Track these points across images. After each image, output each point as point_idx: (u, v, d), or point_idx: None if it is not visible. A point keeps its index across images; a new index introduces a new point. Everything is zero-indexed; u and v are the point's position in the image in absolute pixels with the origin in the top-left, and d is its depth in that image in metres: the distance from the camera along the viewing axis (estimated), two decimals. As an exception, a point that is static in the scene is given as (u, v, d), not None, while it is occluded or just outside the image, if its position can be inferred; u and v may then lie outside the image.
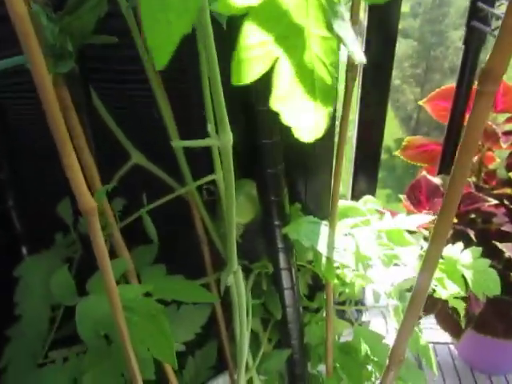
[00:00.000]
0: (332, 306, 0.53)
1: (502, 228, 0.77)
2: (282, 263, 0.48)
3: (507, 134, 0.84)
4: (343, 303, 0.62)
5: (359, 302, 0.60)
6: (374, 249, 0.46)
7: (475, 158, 0.95)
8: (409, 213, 0.85)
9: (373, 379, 0.62)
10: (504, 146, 0.80)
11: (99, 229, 0.26)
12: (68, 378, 0.38)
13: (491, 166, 0.97)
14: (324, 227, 0.45)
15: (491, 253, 0.77)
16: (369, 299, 0.85)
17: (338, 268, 0.55)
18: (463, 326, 0.76)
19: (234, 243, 0.34)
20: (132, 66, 0.43)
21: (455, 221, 0.82)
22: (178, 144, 0.29)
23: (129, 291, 0.33)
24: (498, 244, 0.73)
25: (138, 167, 0.46)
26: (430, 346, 1.12)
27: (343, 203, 0.55)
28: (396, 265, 0.53)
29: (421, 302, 0.31)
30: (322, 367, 0.64)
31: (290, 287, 0.50)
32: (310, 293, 0.58)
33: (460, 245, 0.52)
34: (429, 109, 0.96)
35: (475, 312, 0.73)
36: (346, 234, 0.48)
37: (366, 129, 0.93)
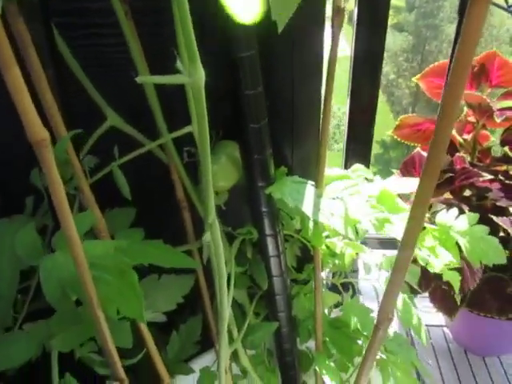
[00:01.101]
0: (320, 276, 0.51)
1: (498, 203, 0.75)
2: (267, 229, 0.45)
3: (502, 109, 0.82)
4: (334, 276, 0.60)
5: (350, 274, 0.58)
6: (363, 212, 0.44)
7: (469, 136, 0.93)
8: (402, 190, 0.83)
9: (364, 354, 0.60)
10: (498, 120, 0.78)
11: (53, 164, 0.23)
12: (36, 344, 0.35)
13: (486, 145, 0.95)
14: (310, 187, 0.42)
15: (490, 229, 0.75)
16: (360, 271, 0.83)
17: (327, 237, 0.53)
18: (458, 302, 0.74)
19: (210, 191, 0.32)
20: (105, 19, 0.41)
21: (450, 196, 0.80)
22: (144, 80, 0.27)
23: (96, 247, 0.31)
24: (494, 218, 0.71)
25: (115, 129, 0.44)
26: (424, 328, 1.11)
27: (332, 171, 0.53)
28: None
29: (407, 258, 0.29)
30: (311, 343, 0.62)
31: (276, 255, 0.47)
32: (298, 264, 0.56)
33: (454, 211, 0.50)
34: (423, 86, 0.94)
35: (470, 286, 0.72)
36: (334, 198, 0.45)
37: (358, 118, 0.92)
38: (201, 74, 0.27)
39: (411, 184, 0.50)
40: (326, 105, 0.38)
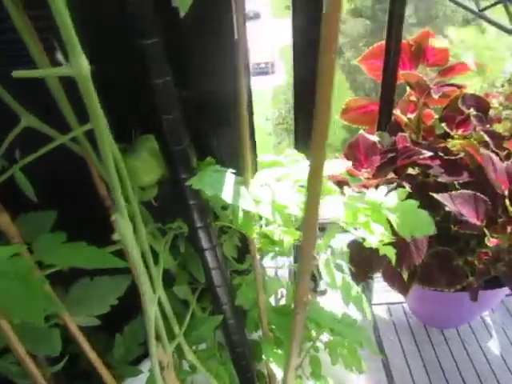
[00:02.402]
0: (259, 265, 0.51)
1: (439, 179, 0.77)
2: (198, 222, 0.45)
3: (439, 86, 0.84)
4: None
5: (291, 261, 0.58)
6: (291, 197, 0.43)
7: (413, 115, 0.95)
8: (348, 173, 0.83)
9: (314, 338, 0.60)
10: (435, 97, 0.80)
11: None
12: None
13: (430, 123, 0.97)
14: (230, 175, 0.42)
15: (431, 206, 0.76)
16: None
17: (266, 225, 0.52)
18: (405, 279, 0.76)
19: (116, 186, 0.31)
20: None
21: (393, 175, 0.81)
22: (18, 74, 0.25)
23: (-3, 253, 0.30)
24: (434, 195, 0.73)
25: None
26: (385, 307, 1.14)
27: (264, 158, 0.53)
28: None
29: (312, 237, 0.28)
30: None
31: (210, 247, 0.47)
32: (239, 255, 0.56)
33: (384, 188, 0.51)
34: (365, 69, 0.95)
35: (416, 262, 0.73)
36: (262, 185, 0.45)
37: (303, 105, 0.92)
38: (83, 63, 0.26)
39: (339, 166, 0.50)
40: (240, 91, 0.38)
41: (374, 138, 0.83)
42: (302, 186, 0.47)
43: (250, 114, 1.04)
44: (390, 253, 0.52)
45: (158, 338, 0.45)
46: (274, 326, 0.56)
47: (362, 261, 0.76)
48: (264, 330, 0.55)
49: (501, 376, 0.94)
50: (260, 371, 0.65)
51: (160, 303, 0.47)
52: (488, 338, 1.05)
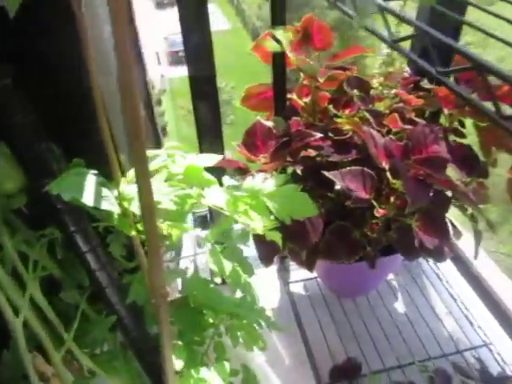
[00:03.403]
0: (145, 261, 0.51)
1: (330, 159, 0.81)
2: (71, 225, 0.44)
3: (325, 70, 0.88)
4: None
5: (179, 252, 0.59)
6: (163, 192, 0.44)
7: (308, 99, 0.99)
8: (247, 160, 0.85)
9: (215, 325, 0.62)
10: (321, 81, 0.84)
11: None
12: None
13: (324, 106, 1.01)
14: (91, 177, 0.41)
15: (326, 184, 0.81)
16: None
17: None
18: (304, 257, 0.80)
19: None
20: None
21: (289, 159, 0.84)
22: None
23: None
24: (325, 172, 0.77)
25: None
26: (301, 283, 1.19)
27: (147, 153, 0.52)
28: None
29: (153, 231, 0.29)
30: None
31: (90, 249, 0.46)
32: (128, 253, 0.55)
33: (262, 175, 0.53)
34: (258, 56, 0.96)
35: (313, 241, 0.77)
36: (134, 182, 0.45)
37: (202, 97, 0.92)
38: None
39: (214, 158, 0.51)
40: (94, 87, 0.37)
41: (269, 123, 0.85)
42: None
43: (149, 106, 1.03)
44: (276, 237, 0.54)
45: (39, 348, 0.43)
46: (172, 319, 0.57)
47: (265, 244, 0.79)
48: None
49: (404, 331, 1.03)
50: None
51: (42, 311, 0.45)
52: (394, 299, 1.14)
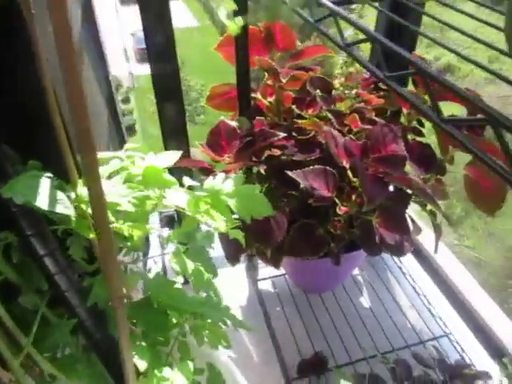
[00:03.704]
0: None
1: (294, 158, 0.82)
2: (27, 229, 0.43)
3: (288, 70, 0.89)
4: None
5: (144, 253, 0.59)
6: (121, 194, 0.44)
7: (272, 99, 1.00)
8: (212, 160, 0.86)
9: (179, 325, 0.62)
10: (284, 81, 0.85)
11: None
12: None
13: (289, 106, 1.03)
14: (45, 179, 0.41)
15: (290, 183, 0.82)
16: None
17: (110, 223, 0.52)
18: (269, 255, 0.81)
19: None
20: None
21: (254, 159, 0.85)
22: None
23: None
24: (288, 172, 0.78)
25: None
26: (269, 281, 1.21)
27: (104, 154, 0.52)
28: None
29: (107, 235, 0.29)
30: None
31: (48, 253, 0.45)
32: (89, 255, 0.55)
33: (222, 175, 0.54)
34: (222, 55, 0.97)
35: (278, 239, 0.78)
36: (92, 184, 0.45)
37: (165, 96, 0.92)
38: None
39: (173, 157, 0.51)
40: (47, 87, 0.36)
41: (234, 123, 0.86)
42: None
43: (111, 104, 1.01)
44: (239, 236, 0.55)
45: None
46: (134, 320, 0.56)
47: (230, 243, 0.79)
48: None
49: (369, 324, 1.06)
50: (134, 364, 0.65)
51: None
52: (359, 294, 1.17)
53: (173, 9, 0.83)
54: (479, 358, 0.99)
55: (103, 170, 0.46)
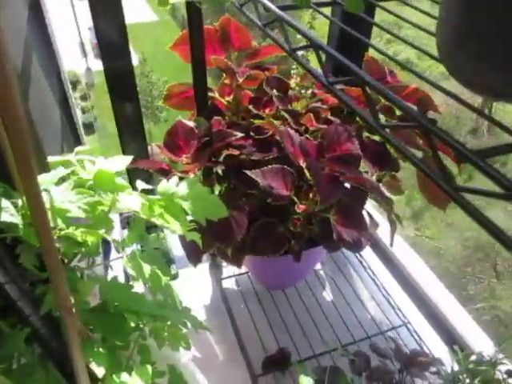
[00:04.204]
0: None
1: (252, 158, 0.83)
2: (-28, 238, 0.42)
3: (245, 69, 0.90)
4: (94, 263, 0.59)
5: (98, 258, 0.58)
6: (70, 199, 0.43)
7: (230, 98, 1.00)
8: (170, 160, 0.85)
9: (138, 328, 0.62)
10: (240, 80, 0.85)
11: None
12: None
13: (247, 105, 1.03)
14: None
15: (250, 182, 0.82)
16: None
17: (61, 230, 0.51)
18: (230, 254, 0.81)
19: None
20: None
21: (213, 159, 0.85)
22: None
23: None
24: (247, 172, 0.78)
25: None
26: (233, 279, 1.21)
27: (53, 158, 0.51)
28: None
29: (47, 238, 0.29)
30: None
31: (-5, 263, 0.44)
32: (41, 263, 0.54)
33: (175, 178, 0.54)
34: (178, 54, 0.96)
35: (238, 238, 0.79)
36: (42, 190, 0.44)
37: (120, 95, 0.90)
38: None
39: (124, 161, 0.51)
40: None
41: (191, 123, 0.86)
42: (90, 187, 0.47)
43: (65, 102, 0.99)
44: (195, 237, 0.55)
45: None
46: (91, 327, 0.56)
47: (190, 245, 0.79)
48: (81, 334, 0.54)
49: (331, 318, 1.09)
50: (91, 371, 0.64)
51: None
52: (321, 288, 1.19)
53: (131, 3, 0.82)
54: (435, 346, 1.04)
55: (52, 176, 0.45)
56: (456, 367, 0.74)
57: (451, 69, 0.27)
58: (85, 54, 12.56)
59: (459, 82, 0.27)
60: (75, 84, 11.73)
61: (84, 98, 11.54)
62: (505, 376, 0.70)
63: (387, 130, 0.33)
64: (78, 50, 12.74)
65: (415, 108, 0.28)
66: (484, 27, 0.22)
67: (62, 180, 0.50)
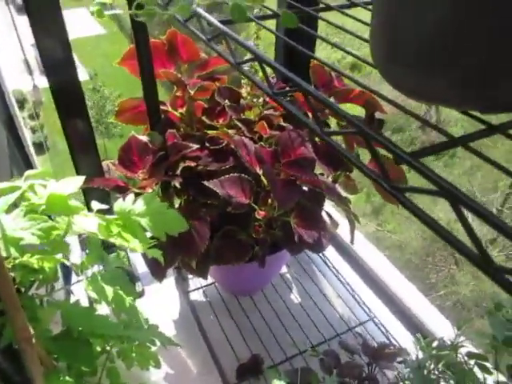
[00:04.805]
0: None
1: (209, 168, 0.83)
2: None
3: (195, 80, 0.90)
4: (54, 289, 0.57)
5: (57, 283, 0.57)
6: (22, 226, 0.42)
7: (183, 110, 1.00)
8: (125, 177, 0.84)
9: (104, 351, 0.61)
10: (192, 92, 0.86)
11: None
12: None
13: (200, 116, 1.04)
14: None
15: (209, 193, 0.83)
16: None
17: (16, 259, 0.49)
18: (194, 266, 0.81)
19: None
20: None
21: (169, 173, 0.85)
22: None
23: None
24: (205, 182, 0.79)
25: None
26: (200, 291, 1.20)
27: (2, 185, 0.49)
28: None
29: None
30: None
31: None
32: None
33: (131, 196, 0.53)
34: (127, 70, 0.95)
35: (201, 249, 0.79)
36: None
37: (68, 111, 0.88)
38: None
39: (77, 182, 0.50)
40: None
41: (145, 138, 0.85)
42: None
43: (11, 124, 0.95)
44: (157, 254, 0.55)
45: None
46: (56, 355, 0.54)
47: (152, 261, 0.78)
48: (44, 364, 0.53)
49: (301, 319, 1.10)
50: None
51: None
52: (288, 291, 1.21)
53: (76, 17, 0.80)
54: (402, 336, 1.07)
55: (1, 203, 0.44)
56: (421, 355, 0.77)
57: (383, 73, 0.29)
58: (30, 72, 12.11)
59: (391, 85, 0.29)
60: (22, 103, 11.30)
61: (32, 117, 11.11)
62: (466, 358, 0.73)
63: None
64: (23, 68, 12.28)
65: (352, 115, 0.29)
66: (402, 35, 0.24)
67: (13, 206, 0.48)
